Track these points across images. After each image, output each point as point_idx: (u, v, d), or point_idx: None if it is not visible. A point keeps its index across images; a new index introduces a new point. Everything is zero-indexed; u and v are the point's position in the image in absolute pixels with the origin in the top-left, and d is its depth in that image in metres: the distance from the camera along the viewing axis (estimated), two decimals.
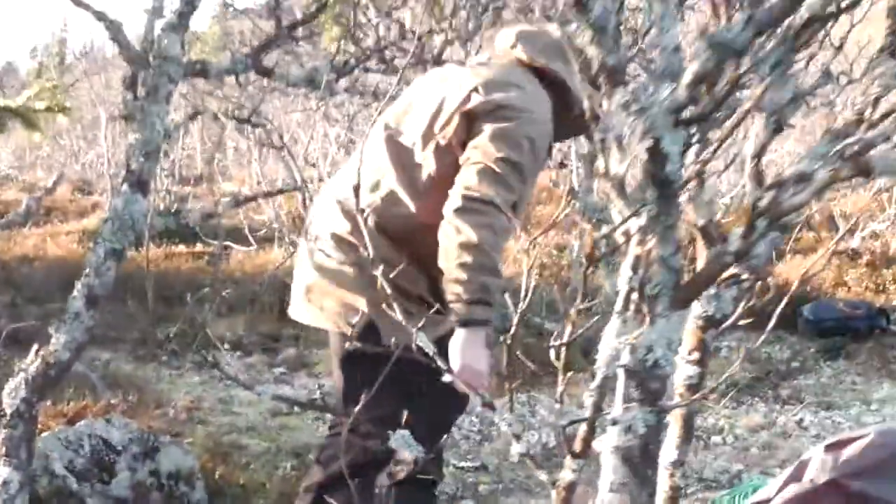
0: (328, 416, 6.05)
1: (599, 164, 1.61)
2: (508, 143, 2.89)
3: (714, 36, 1.19)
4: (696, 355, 1.81)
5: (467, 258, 2.82)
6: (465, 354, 2.98)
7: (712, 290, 1.76)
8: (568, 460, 1.76)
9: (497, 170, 2.87)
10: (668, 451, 1.87)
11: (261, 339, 7.68)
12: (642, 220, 1.50)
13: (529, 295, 2.12)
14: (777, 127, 1.39)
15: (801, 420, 6.15)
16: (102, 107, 14.02)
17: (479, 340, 3.00)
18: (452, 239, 2.84)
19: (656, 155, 1.29)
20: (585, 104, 1.67)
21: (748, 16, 1.17)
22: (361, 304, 3.06)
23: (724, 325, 1.82)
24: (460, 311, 2.89)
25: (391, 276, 2.02)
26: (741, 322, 1.90)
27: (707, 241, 1.62)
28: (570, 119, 3.12)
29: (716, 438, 5.84)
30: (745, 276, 1.72)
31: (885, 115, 1.48)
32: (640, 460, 1.49)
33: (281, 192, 4.54)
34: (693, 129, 1.29)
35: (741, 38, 1.19)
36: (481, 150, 2.90)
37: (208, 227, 9.41)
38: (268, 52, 3.10)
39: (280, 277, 8.40)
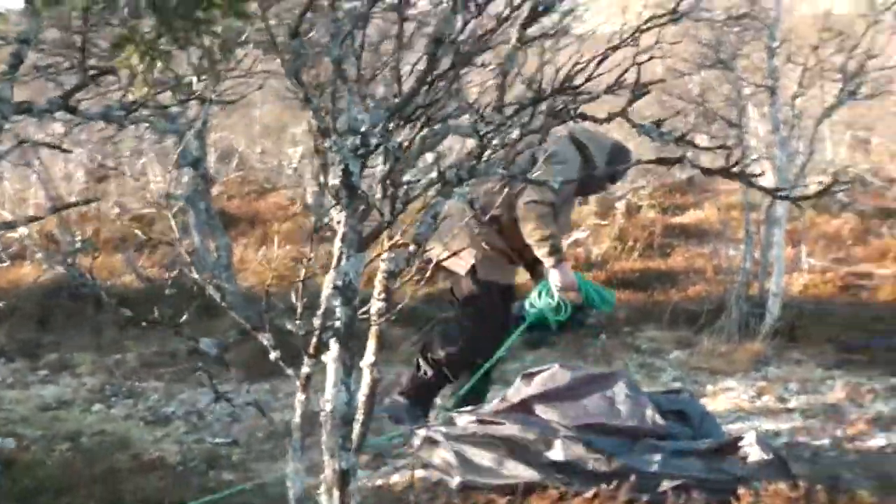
0: (94, 407, 7.09)
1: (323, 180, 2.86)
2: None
3: (369, 114, 2.44)
4: (382, 296, 3.04)
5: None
6: (565, 278, 6.40)
7: (392, 253, 3.00)
8: (306, 359, 2.96)
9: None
10: (368, 356, 3.09)
11: (21, 345, 8.48)
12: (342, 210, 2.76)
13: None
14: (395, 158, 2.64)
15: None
16: None
17: (568, 269, 6.48)
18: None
19: (347, 173, 2.52)
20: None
21: (385, 105, 2.43)
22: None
23: (401, 281, 3.06)
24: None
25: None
26: None
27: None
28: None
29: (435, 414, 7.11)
30: (410, 244, 3.01)
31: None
32: (344, 339, 2.73)
33: (71, 205, 5.44)
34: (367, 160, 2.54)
35: (378, 117, 2.44)
36: None
37: None
38: (76, 94, 4.18)
39: (37, 290, 9.28)
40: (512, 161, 2.72)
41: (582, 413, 5.66)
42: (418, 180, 2.61)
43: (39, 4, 3.57)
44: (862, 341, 8.59)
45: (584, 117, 2.84)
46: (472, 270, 6.43)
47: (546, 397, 5.73)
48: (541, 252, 6.33)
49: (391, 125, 2.49)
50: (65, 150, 4.75)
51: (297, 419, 3.02)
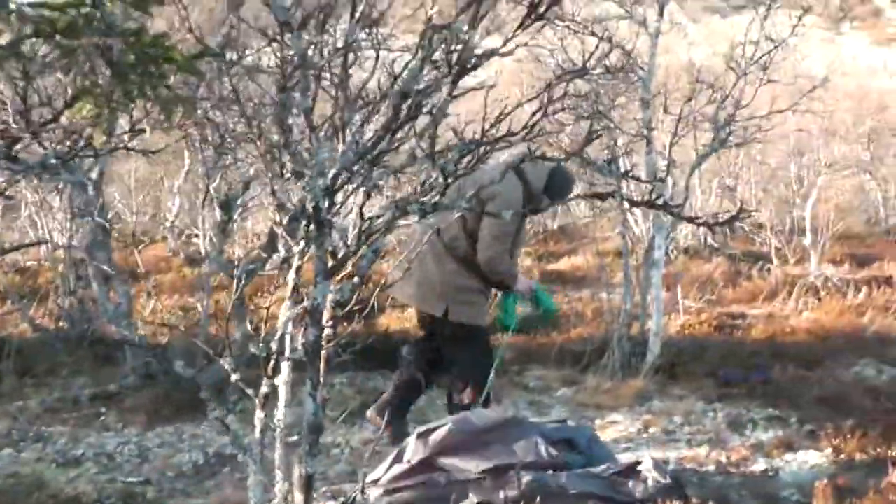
0: (3, 451, 7.27)
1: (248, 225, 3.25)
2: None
3: (341, 156, 2.84)
4: (331, 322, 3.42)
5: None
6: (522, 286, 7.41)
7: (339, 286, 3.38)
8: (265, 381, 3.33)
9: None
10: (316, 378, 3.46)
11: None
12: (302, 244, 3.14)
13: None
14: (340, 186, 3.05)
15: None
16: None
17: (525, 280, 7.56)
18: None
19: (317, 210, 2.90)
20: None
21: (355, 146, 2.83)
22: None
23: (346, 308, 3.45)
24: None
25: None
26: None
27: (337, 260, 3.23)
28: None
29: (335, 451, 7.45)
30: (354, 274, 3.40)
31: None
32: (312, 356, 3.10)
33: (15, 248, 5.64)
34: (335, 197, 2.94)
35: (349, 160, 2.84)
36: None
37: None
38: (16, 145, 4.49)
39: None
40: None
41: (483, 460, 6.06)
42: (380, 216, 3.01)
43: None
44: (739, 376, 9.18)
45: (545, 158, 3.27)
46: (446, 313, 7.22)
47: (446, 452, 6.11)
48: (505, 285, 7.44)
49: (358, 167, 2.90)
50: (8, 198, 5.02)
51: (256, 435, 3.38)
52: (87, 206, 8.11)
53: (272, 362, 3.28)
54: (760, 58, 9.50)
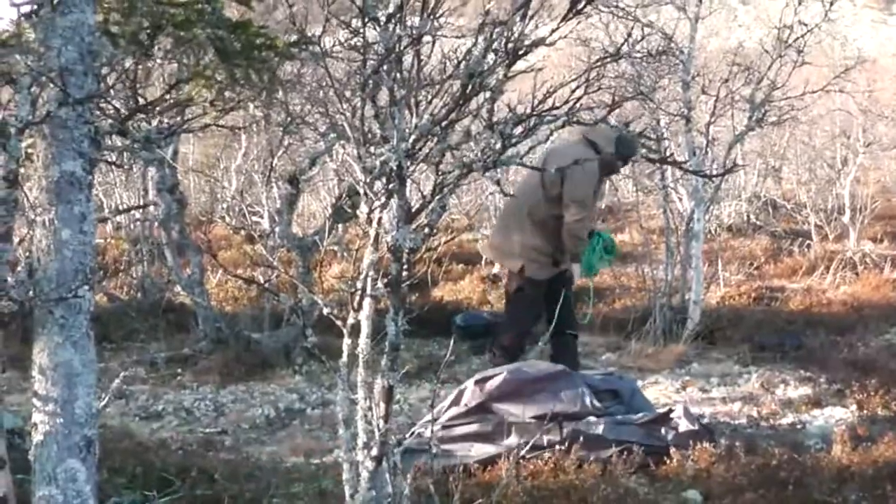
0: None
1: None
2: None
3: (420, 123, 3.59)
4: (405, 266, 4.17)
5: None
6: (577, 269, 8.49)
7: (412, 234, 4.12)
8: (352, 312, 4.08)
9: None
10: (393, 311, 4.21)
11: (12, 359, 9.35)
12: (383, 199, 3.91)
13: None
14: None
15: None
16: None
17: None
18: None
19: (400, 167, 3.65)
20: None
21: (422, 123, 3.57)
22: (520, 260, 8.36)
23: (418, 255, 4.20)
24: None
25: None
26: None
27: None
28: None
29: (395, 407, 8.21)
30: (427, 224, 4.15)
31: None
32: (395, 286, 3.85)
33: (132, 208, 6.33)
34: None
35: (427, 127, 3.58)
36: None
37: None
38: (128, 121, 5.27)
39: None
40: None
41: (532, 407, 6.77)
42: (451, 171, 3.75)
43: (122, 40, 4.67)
44: (775, 340, 9.89)
45: (579, 122, 4.03)
46: (521, 269, 8.34)
47: (500, 398, 6.83)
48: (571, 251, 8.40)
49: (438, 132, 3.65)
50: (119, 166, 5.78)
51: (344, 358, 4.13)
52: (163, 182, 8.93)
53: (357, 299, 4.02)
54: (795, 40, 10.16)
